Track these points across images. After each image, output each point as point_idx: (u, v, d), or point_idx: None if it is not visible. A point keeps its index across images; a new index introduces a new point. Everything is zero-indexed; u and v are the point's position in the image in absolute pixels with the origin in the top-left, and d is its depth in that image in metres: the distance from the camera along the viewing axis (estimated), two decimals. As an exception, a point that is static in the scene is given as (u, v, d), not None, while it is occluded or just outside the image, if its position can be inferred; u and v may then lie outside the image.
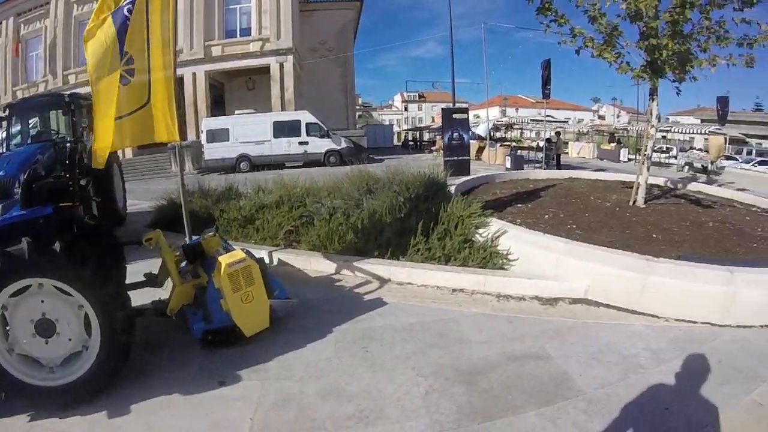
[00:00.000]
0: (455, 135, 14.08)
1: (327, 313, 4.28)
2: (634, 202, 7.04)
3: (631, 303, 4.41)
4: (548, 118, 25.96)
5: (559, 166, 18.42)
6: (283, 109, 23.77)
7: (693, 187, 10.32)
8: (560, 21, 6.49)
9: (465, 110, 16.67)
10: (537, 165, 18.90)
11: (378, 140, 36.31)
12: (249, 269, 3.70)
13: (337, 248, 5.87)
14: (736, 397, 3.07)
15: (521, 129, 40.93)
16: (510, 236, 5.46)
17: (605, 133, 33.24)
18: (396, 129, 59.97)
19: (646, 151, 7.41)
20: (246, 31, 25.12)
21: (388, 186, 7.05)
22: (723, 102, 24.98)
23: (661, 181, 10.33)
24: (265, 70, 24.94)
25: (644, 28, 6.29)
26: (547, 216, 6.49)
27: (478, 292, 4.79)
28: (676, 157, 25.39)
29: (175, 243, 4.39)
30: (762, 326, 4.13)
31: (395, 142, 46.01)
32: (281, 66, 24.33)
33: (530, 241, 5.31)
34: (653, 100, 7.00)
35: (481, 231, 5.71)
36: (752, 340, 3.88)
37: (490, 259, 5.30)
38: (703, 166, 21.39)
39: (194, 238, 4.58)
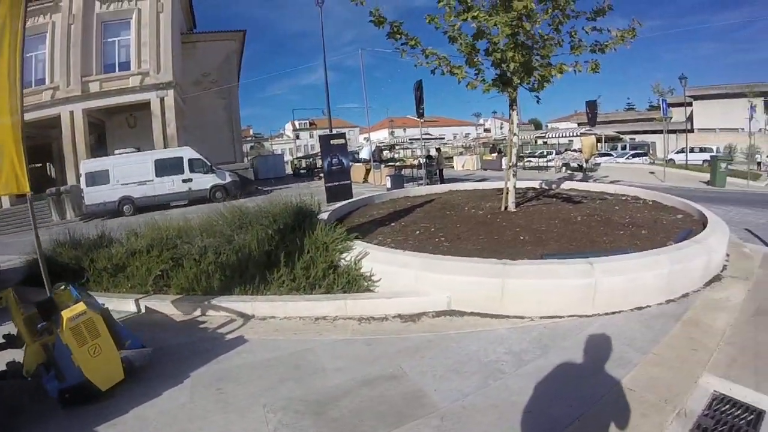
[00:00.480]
0: (335, 161, 18.23)
1: (187, 357, 4.93)
2: (506, 208, 8.56)
3: (494, 308, 5.23)
4: (426, 136, 32.67)
5: (442, 181, 23.51)
6: (165, 145, 27.35)
7: (566, 185, 12.72)
8: (411, 43, 7.93)
9: (342, 135, 20.82)
10: (421, 182, 23.22)
11: (269, 170, 43.93)
12: (92, 321, 4.32)
13: (205, 288, 6.74)
14: (604, 386, 3.71)
15: (409, 148, 49.33)
16: (371, 258, 6.50)
17: (489, 145, 42.22)
18: (288, 158, 71.19)
19: (510, 158, 8.95)
20: (125, 65, 28.26)
21: (258, 219, 8.23)
22: (592, 105, 31.48)
23: (536, 184, 12.79)
24: (146, 105, 28.17)
25: (489, 44, 7.74)
26: (418, 232, 7.68)
27: (340, 318, 5.72)
28: (553, 160, 32.91)
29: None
30: (632, 309, 5.15)
31: (288, 170, 53.85)
32: (162, 101, 28.26)
33: (388, 260, 6.35)
34: (513, 110, 8.53)
35: (344, 255, 6.78)
36: (621, 325, 4.75)
37: (353, 282, 6.40)
38: (578, 164, 27.96)
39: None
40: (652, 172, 24.90)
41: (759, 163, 36.11)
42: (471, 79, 8.43)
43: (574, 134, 36.48)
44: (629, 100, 62.32)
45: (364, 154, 36.09)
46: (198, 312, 6.46)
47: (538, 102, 9.01)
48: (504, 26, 7.34)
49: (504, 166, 31.59)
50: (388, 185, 21.14)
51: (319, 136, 21.66)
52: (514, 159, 8.94)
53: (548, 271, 5.33)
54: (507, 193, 8.75)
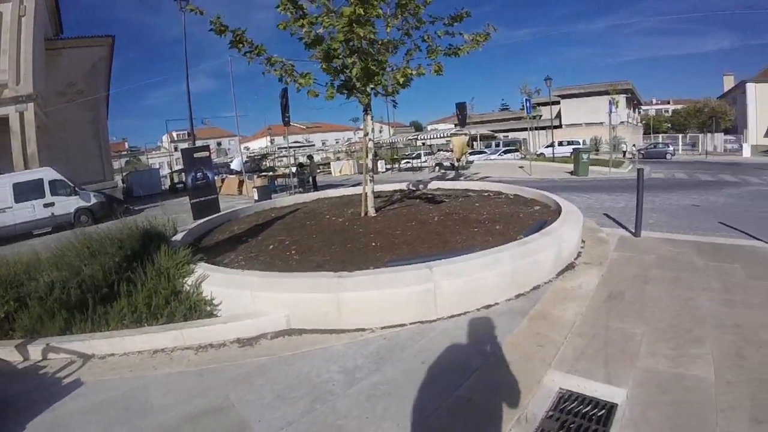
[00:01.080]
0: (199, 175, 16.99)
1: (26, 408, 4.49)
2: (366, 213, 8.62)
3: (333, 323, 5.09)
4: (304, 143, 32.25)
5: (315, 188, 23.18)
6: (26, 166, 23.67)
7: (433, 185, 13.19)
8: (256, 52, 7.70)
9: (206, 148, 19.64)
10: (294, 191, 22.81)
11: (144, 187, 39.17)
12: None
13: (49, 328, 5.97)
14: (439, 398, 3.60)
15: (286, 156, 47.97)
16: (210, 281, 6.09)
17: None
18: (165, 171, 65.80)
19: (366, 163, 8.99)
20: (-22, 77, 23.00)
21: (104, 248, 7.51)
22: (461, 107, 32.13)
23: (405, 186, 13.05)
24: (4, 121, 23.79)
25: (328, 50, 7.60)
26: (272, 246, 7.49)
27: (178, 349, 5.34)
28: (426, 160, 34.27)
29: None
30: (479, 309, 5.18)
31: (165, 186, 50.01)
32: (21, 116, 24.34)
33: (227, 281, 5.97)
34: (367, 114, 8.62)
35: (187, 280, 6.31)
36: (464, 328, 4.75)
37: (194, 309, 5.96)
38: (451, 163, 29.63)
39: None
40: (521, 167, 26.34)
41: (624, 152, 39.28)
42: (323, 86, 8.26)
43: (448, 135, 37.32)
44: (503, 101, 66.40)
45: (235, 165, 34.93)
46: (39, 355, 5.82)
47: (395, 106, 9.41)
48: (338, 32, 7.27)
49: (381, 170, 33.46)
50: (256, 197, 20.71)
51: (182, 150, 20.62)
52: (370, 164, 8.92)
53: (385, 280, 5.19)
54: (365, 198, 8.75)
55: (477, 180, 21.30)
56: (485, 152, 44.05)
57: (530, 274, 5.86)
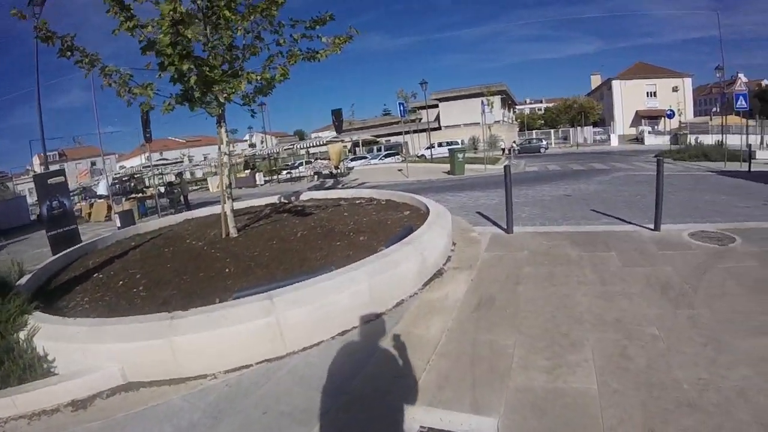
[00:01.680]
0: (55, 204, 14.55)
1: None
2: (227, 234, 8.05)
3: (172, 372, 4.44)
4: (163, 160, 29.77)
5: (188, 207, 21.32)
6: None
7: (306, 196, 12.59)
8: (86, 60, 6.87)
9: (61, 173, 16.73)
10: (165, 213, 20.68)
11: (8, 218, 32.53)
12: None
13: None
14: None
15: (160, 174, 44.66)
16: (43, 333, 5.09)
17: (242, 162, 40.69)
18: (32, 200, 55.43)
19: (222, 180, 8.51)
20: None
21: None
22: (337, 114, 32.09)
23: (276, 199, 12.40)
24: None
25: (162, 58, 6.87)
26: (121, 282, 6.55)
27: (11, 419, 4.45)
28: (305, 170, 33.72)
29: None
30: (335, 336, 4.64)
31: (35, 215, 42.29)
32: None
33: (57, 333, 4.96)
34: (220, 127, 8.04)
35: (21, 334, 5.27)
36: (315, 363, 4.23)
37: (30, 368, 4.92)
38: (330, 172, 29.19)
39: None
40: (400, 170, 26.32)
41: (503, 149, 40.64)
42: (165, 99, 7.45)
43: (324, 143, 36.88)
44: (386, 106, 67.62)
45: (101, 189, 31.77)
46: None
47: (252, 116, 8.62)
48: (162, 34, 6.41)
49: (259, 182, 32.36)
50: (118, 223, 18.76)
51: (34, 176, 18.28)
52: (227, 180, 8.42)
53: (220, 317, 4.52)
54: (225, 218, 8.20)
55: (354, 187, 20.75)
56: (367, 157, 43.79)
57: (392, 289, 5.39)
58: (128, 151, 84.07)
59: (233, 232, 8.12)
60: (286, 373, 4.20)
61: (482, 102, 26.01)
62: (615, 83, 67.85)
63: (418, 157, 43.40)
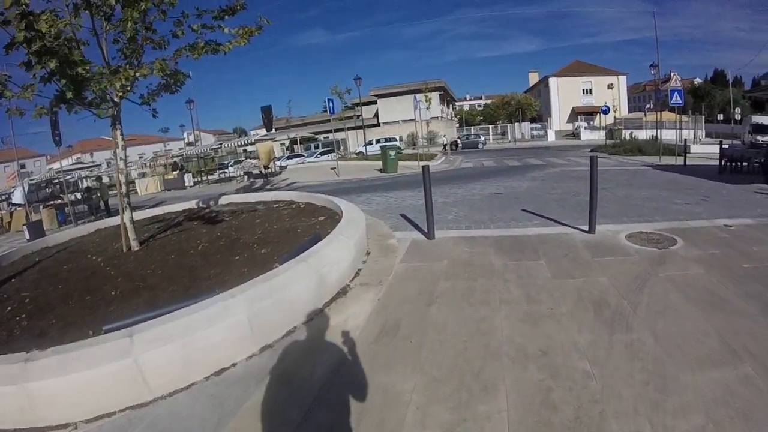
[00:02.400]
0: None
1: None
2: (129, 248, 7.38)
3: (30, 420, 3.81)
4: (79, 164, 27.78)
5: (108, 213, 19.92)
6: None
7: (226, 200, 12.12)
8: None
9: None
10: (84, 220, 19.33)
11: None
12: None
13: None
14: None
15: (88, 177, 41.91)
16: None
17: (170, 163, 38.74)
18: None
19: (120, 188, 7.74)
20: None
21: None
22: (267, 111, 31.01)
23: (194, 204, 11.96)
24: None
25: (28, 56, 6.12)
26: (9, 308, 5.79)
27: None
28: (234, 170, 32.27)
29: None
30: (210, 376, 3.99)
31: None
32: None
33: None
34: (115, 129, 7.33)
35: None
36: (182, 412, 3.58)
37: None
38: (260, 171, 28.07)
39: None
40: (333, 168, 25.30)
41: (445, 145, 40.36)
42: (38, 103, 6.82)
43: (252, 141, 35.58)
44: (325, 102, 66.76)
45: (17, 198, 28.74)
46: None
47: (154, 116, 8.12)
48: (18, 30, 5.74)
49: (188, 184, 30.66)
50: (27, 236, 17.10)
51: None
52: (124, 188, 7.65)
53: (76, 359, 3.81)
54: (124, 230, 7.53)
55: (281, 188, 19.81)
56: (303, 155, 42.58)
57: (279, 316, 4.68)
58: (57, 152, 79.15)
59: (134, 246, 7.47)
60: (149, 423, 3.55)
61: (414, 97, 25.14)
62: (552, 80, 68.98)
63: (356, 154, 42.56)
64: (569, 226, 7.66)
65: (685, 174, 15.46)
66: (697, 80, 77.02)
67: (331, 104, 22.45)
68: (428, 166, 7.36)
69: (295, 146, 53.73)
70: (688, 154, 20.90)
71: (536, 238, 7.06)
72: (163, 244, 7.79)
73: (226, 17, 7.27)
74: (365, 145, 44.61)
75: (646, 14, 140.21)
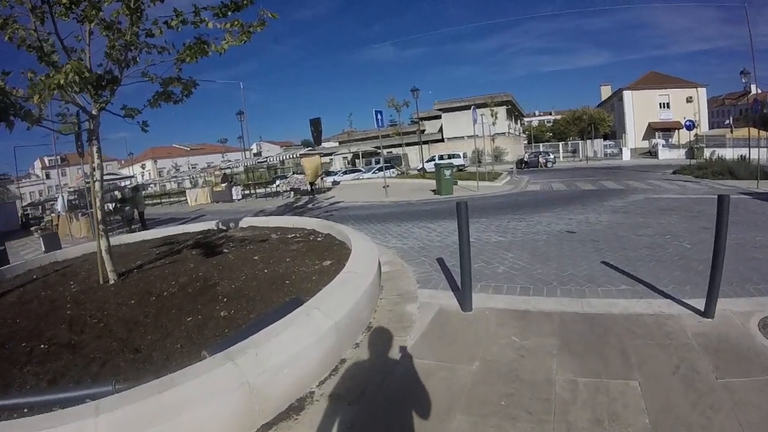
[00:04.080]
0: None
1: None
2: (105, 280, 6.60)
3: None
4: (111, 174, 27.12)
5: (144, 226, 19.22)
6: None
7: (249, 222, 11.47)
8: None
9: None
10: (120, 231, 18.33)
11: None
12: None
13: None
14: None
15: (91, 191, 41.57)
16: None
17: (220, 174, 37.72)
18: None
19: (96, 212, 6.98)
20: None
21: None
22: (316, 123, 29.58)
23: (213, 225, 11.45)
24: None
25: None
26: None
27: None
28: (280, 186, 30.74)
29: None
30: None
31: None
32: None
33: None
34: (92, 146, 6.63)
35: None
36: None
37: None
38: (308, 188, 26.45)
39: None
40: (386, 186, 22.68)
41: (519, 162, 37.80)
42: None
43: (297, 156, 33.84)
44: (391, 116, 66.67)
45: (59, 206, 28.91)
46: None
47: (144, 130, 7.14)
48: None
49: (236, 197, 29.34)
50: (42, 247, 16.32)
51: None
52: (100, 214, 6.91)
53: None
54: (100, 260, 6.77)
55: (323, 209, 17.87)
56: (361, 170, 40.84)
57: None
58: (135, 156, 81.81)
59: (111, 278, 6.68)
60: None
61: (473, 109, 22.36)
62: (626, 93, 64.22)
63: (418, 170, 40.31)
64: (673, 298, 5.13)
65: None
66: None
67: (379, 117, 20.11)
68: (465, 203, 4.95)
69: (357, 160, 52.22)
70: None
71: (625, 321, 4.58)
72: (142, 278, 6.81)
73: (229, 13, 6.36)
74: (428, 160, 42.38)
75: (718, 22, 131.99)
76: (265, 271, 6.45)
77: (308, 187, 26.08)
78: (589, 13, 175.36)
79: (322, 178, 27.47)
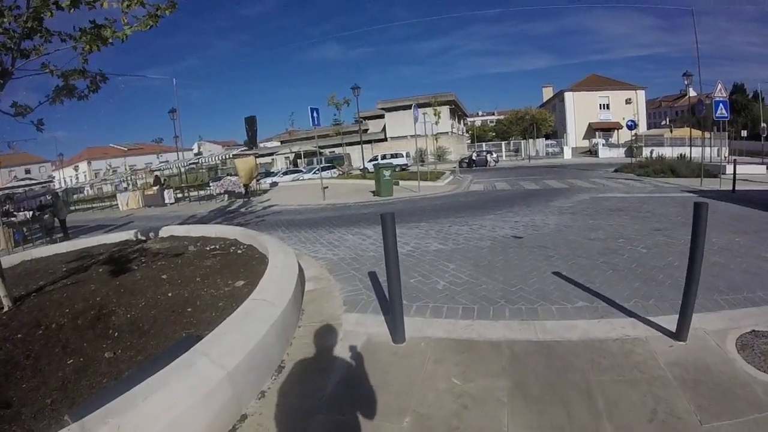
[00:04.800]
0: None
1: None
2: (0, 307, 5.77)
3: None
4: (28, 179, 25.10)
5: (66, 236, 17.40)
6: None
7: (165, 233, 10.51)
8: None
9: None
10: (39, 242, 17.25)
11: None
12: None
13: None
14: None
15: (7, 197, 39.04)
16: None
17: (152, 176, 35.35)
18: None
19: None
20: None
21: None
22: (251, 122, 28.79)
23: (132, 235, 10.43)
24: None
25: None
26: None
27: None
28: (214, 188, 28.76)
29: None
30: None
31: None
32: None
33: None
34: None
35: None
36: None
37: None
38: (242, 191, 24.89)
39: None
40: (325, 187, 21.71)
41: (461, 161, 37.56)
42: None
43: (229, 157, 32.28)
44: (335, 115, 66.03)
45: None
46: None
47: (38, 129, 6.24)
48: None
49: (168, 200, 27.53)
50: None
51: None
52: None
53: None
54: None
55: (255, 213, 16.72)
56: (301, 171, 39.68)
57: None
58: (68, 157, 78.23)
59: (6, 304, 5.76)
60: None
61: (414, 107, 21.56)
62: (567, 95, 66.05)
63: (360, 170, 39.44)
64: (637, 316, 4.50)
65: (746, 205, 12.11)
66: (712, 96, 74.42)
67: (315, 114, 18.63)
68: (392, 215, 4.07)
69: (299, 160, 50.94)
70: (723, 175, 18.28)
71: (586, 350, 3.88)
72: (37, 304, 5.84)
73: None
74: (370, 160, 41.62)
75: (656, 29, 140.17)
76: (170, 294, 5.59)
77: (242, 190, 24.79)
78: (532, 18, 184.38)
79: (257, 180, 25.87)
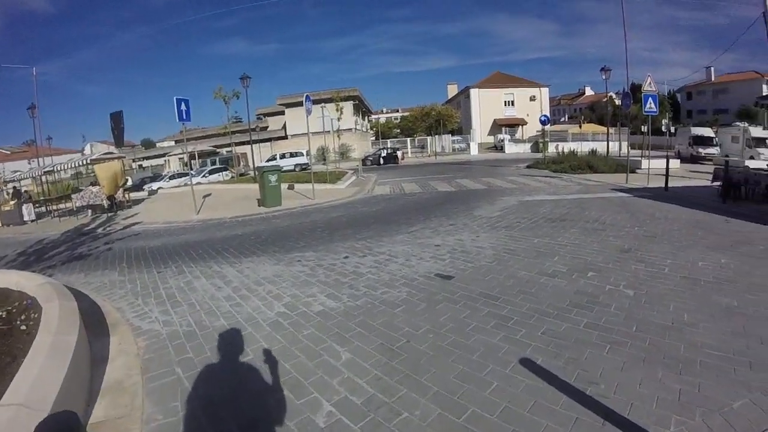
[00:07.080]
0: None
1: None
2: None
3: None
4: None
5: None
6: None
7: None
8: None
9: None
10: None
11: None
12: None
13: None
14: None
15: None
16: None
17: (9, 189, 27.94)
18: None
19: None
20: None
21: None
22: (117, 118, 24.57)
23: None
24: None
25: None
26: None
27: None
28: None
29: None
30: None
31: None
32: None
33: None
34: None
35: None
36: None
37: None
38: (108, 203, 19.81)
39: None
40: (208, 195, 18.30)
41: (364, 160, 35.92)
42: None
43: (87, 162, 25.72)
44: (237, 113, 61.61)
45: None
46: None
47: None
48: None
49: (28, 217, 21.37)
50: None
51: None
52: None
53: None
54: None
55: (111, 234, 12.59)
56: (191, 173, 34.46)
57: None
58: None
59: None
60: None
61: (306, 97, 18.30)
62: (473, 91, 66.45)
63: (255, 170, 35.83)
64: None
65: (694, 207, 10.85)
66: (612, 94, 78.49)
67: (183, 107, 14.20)
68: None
69: (193, 161, 46.47)
70: (639, 170, 18.94)
71: None
72: None
73: None
74: (267, 160, 38.15)
75: (552, 35, 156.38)
76: None
77: (105, 203, 19.75)
78: (438, 20, 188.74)
79: (125, 190, 20.17)
